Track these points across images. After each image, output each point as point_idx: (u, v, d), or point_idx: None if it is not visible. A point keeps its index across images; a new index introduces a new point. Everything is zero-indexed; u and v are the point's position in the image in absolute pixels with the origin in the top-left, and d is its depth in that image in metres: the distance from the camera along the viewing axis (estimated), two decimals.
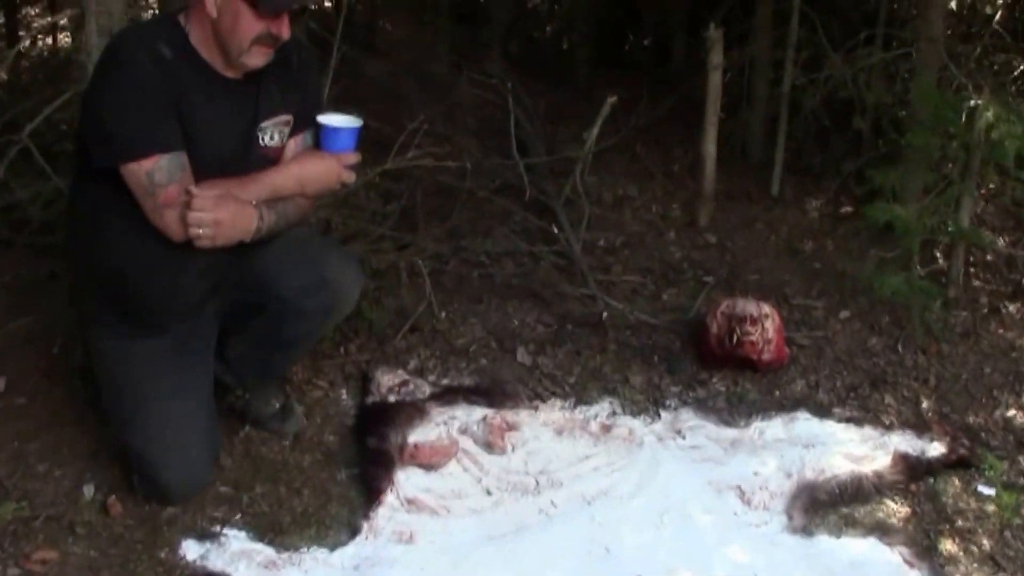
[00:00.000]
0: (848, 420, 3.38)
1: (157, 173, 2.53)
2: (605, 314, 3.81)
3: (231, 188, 2.62)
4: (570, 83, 6.93)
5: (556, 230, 4.28)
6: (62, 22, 3.59)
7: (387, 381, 3.29)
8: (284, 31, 2.63)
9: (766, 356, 3.61)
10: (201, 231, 2.52)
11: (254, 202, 2.65)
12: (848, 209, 4.95)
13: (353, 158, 2.86)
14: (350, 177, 2.86)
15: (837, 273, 4.37)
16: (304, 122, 2.86)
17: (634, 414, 3.38)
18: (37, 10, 7.95)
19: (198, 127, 2.62)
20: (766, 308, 3.64)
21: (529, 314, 3.91)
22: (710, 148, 4.71)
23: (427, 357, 3.59)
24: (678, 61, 6.86)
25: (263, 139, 2.77)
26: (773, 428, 3.29)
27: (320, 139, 2.85)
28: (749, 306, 3.61)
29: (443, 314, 3.82)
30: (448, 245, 4.26)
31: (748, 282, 4.31)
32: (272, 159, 2.80)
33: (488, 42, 6.88)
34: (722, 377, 3.64)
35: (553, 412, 3.30)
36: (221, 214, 2.54)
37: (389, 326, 3.71)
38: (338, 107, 3.01)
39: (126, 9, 3.53)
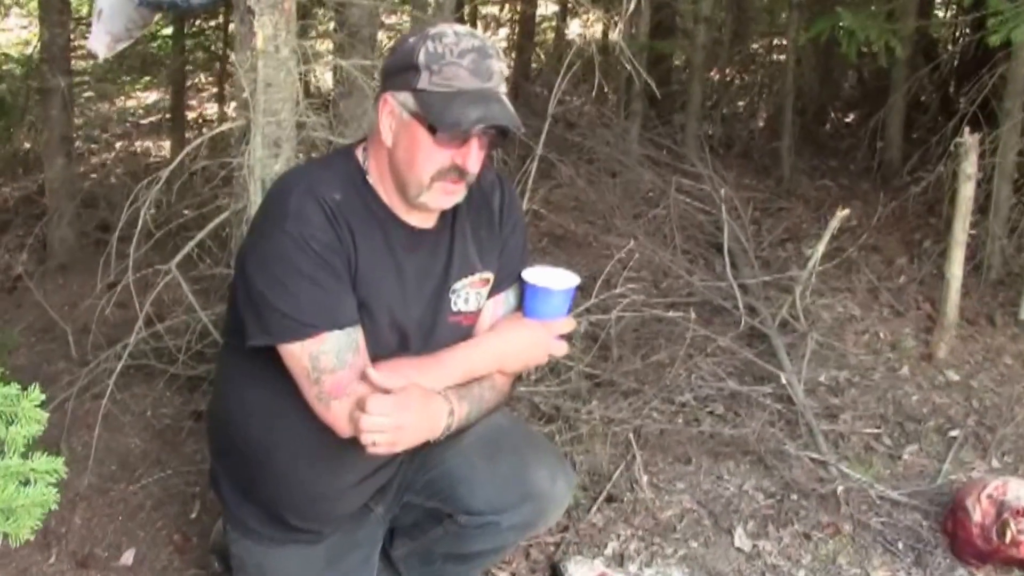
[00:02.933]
0: None
1: (323, 357, 2.03)
2: (840, 488, 3.19)
3: (415, 372, 2.10)
4: (768, 171, 6.37)
5: (779, 374, 3.67)
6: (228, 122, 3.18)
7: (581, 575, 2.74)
8: (472, 164, 2.07)
9: None
10: (377, 439, 1.99)
11: (442, 392, 2.13)
12: None
13: (567, 326, 2.30)
14: (561, 350, 2.31)
15: None
16: (507, 280, 2.33)
17: None
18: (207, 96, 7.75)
19: (375, 290, 2.11)
20: None
21: (747, 479, 3.30)
22: (955, 270, 4.02)
23: (628, 538, 3.00)
24: (892, 149, 6.18)
25: (455, 303, 2.24)
26: None
27: (525, 300, 2.30)
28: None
29: (645, 478, 3.25)
30: (649, 383, 3.71)
31: (1003, 438, 3.61)
32: (466, 327, 2.27)
33: (683, 125, 6.38)
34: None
35: None
36: (403, 418, 2.00)
37: (582, 490, 3.16)
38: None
39: (296, 117, 3.12)
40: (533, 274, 2.29)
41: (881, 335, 4.33)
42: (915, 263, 4.95)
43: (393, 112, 2.07)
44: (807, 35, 4.70)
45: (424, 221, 2.19)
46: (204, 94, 8.34)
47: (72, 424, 3.36)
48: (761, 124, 7.37)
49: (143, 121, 8.31)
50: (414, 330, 2.18)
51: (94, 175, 6.43)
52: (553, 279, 2.29)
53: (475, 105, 2.00)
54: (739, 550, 3.00)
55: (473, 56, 2.02)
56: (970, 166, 3.90)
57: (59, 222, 4.88)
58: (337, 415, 2.05)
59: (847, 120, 7.60)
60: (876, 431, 3.64)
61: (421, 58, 2.01)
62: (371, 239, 2.11)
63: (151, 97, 8.96)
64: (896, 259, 5.02)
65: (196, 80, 7.99)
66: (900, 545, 3.07)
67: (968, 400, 3.88)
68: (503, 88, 2.07)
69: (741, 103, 7.99)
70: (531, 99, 6.92)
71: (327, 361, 2.03)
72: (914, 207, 5.41)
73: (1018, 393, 3.92)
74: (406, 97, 2.04)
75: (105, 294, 3.57)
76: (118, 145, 7.54)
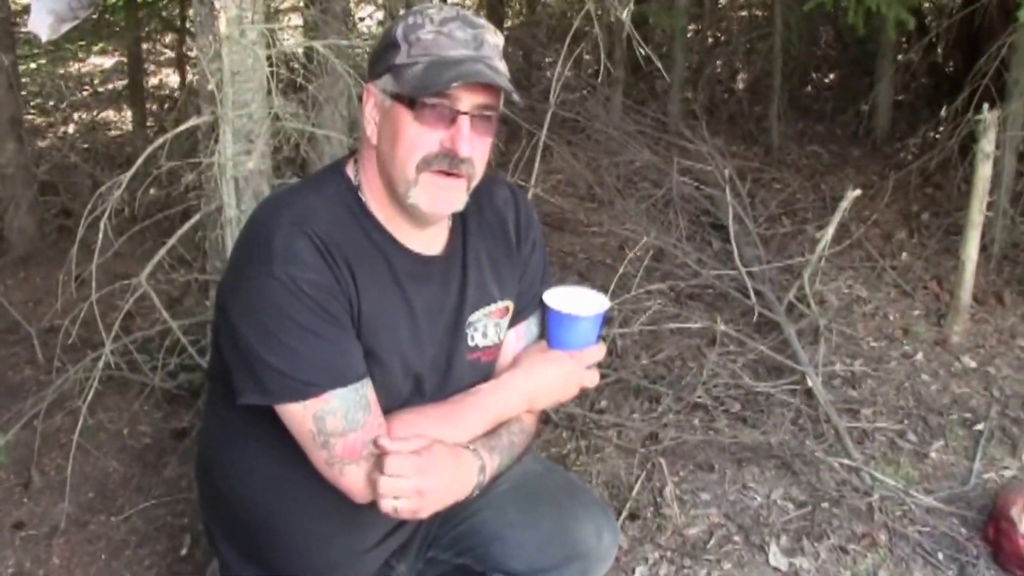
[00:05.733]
0: None
1: (329, 419, 1.74)
2: (876, 496, 2.99)
3: (438, 425, 1.83)
4: (754, 137, 6.17)
5: (797, 368, 3.47)
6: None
7: None
8: (463, 146, 1.75)
9: None
10: (398, 504, 1.72)
11: (471, 446, 1.86)
12: None
13: (597, 354, 2.03)
14: (593, 380, 2.05)
15: None
16: (529, 307, 2.06)
17: None
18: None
19: (385, 335, 1.82)
20: None
21: (775, 488, 3.09)
22: (971, 252, 3.84)
23: (656, 560, 2.79)
24: (880, 114, 5.99)
25: (472, 338, 1.96)
26: None
27: (550, 329, 2.02)
28: None
29: (666, 489, 3.03)
30: (660, 380, 3.49)
31: None
32: (485, 364, 2.00)
33: (667, 91, 6.14)
34: None
35: None
36: (427, 481, 1.72)
37: None
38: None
39: (269, 110, 2.83)
40: (556, 297, 2.01)
41: (891, 318, 4.15)
42: (915, 237, 4.77)
43: (376, 102, 1.81)
44: (808, 5, 4.42)
45: (430, 246, 1.90)
46: (163, 59, 7.92)
47: (43, 444, 3.07)
48: (742, 86, 7.12)
49: (101, 89, 7.91)
50: (428, 373, 1.90)
51: (56, 152, 6.01)
52: (579, 303, 2.01)
53: (455, 68, 1.72)
54: (776, 569, 2.81)
55: (457, 23, 1.76)
56: (988, 144, 3.70)
57: (16, 211, 4.53)
58: (353, 481, 1.77)
59: (827, 81, 7.38)
60: (900, 427, 3.45)
61: (399, 32, 1.78)
62: (374, 275, 1.81)
63: (107, 62, 8.52)
64: (895, 233, 4.83)
65: (153, 45, 7.56)
66: (940, 556, 2.88)
67: (988, 389, 3.70)
68: (497, 63, 1.79)
69: (719, 62, 7.74)
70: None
71: (335, 423, 1.75)
72: (910, 177, 5.22)
73: None
74: (387, 80, 1.78)
75: (69, 289, 3.25)
76: (76, 117, 7.13)
